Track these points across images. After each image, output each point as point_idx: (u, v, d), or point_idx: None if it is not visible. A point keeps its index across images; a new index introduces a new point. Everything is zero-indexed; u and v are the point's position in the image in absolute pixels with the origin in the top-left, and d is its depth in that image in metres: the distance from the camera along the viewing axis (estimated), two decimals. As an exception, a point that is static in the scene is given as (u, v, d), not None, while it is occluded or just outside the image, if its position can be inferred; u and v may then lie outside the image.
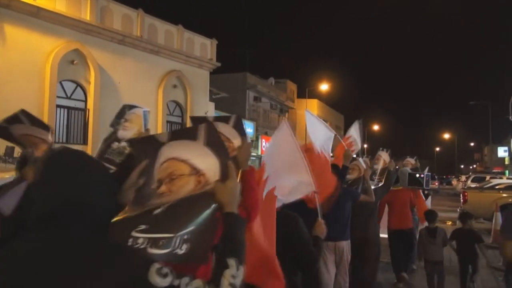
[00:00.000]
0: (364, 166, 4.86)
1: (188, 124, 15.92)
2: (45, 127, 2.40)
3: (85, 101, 12.29)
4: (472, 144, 73.93)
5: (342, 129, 49.57)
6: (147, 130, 2.54)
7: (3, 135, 2.39)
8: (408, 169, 6.56)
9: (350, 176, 4.65)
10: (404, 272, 6.01)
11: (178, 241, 1.21)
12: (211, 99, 18.90)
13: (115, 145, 2.48)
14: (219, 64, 17.11)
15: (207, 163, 1.36)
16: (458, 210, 13.70)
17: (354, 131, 4.69)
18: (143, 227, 1.23)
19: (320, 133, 3.44)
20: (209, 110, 17.65)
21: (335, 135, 3.85)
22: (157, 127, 14.46)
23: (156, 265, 1.01)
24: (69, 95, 11.97)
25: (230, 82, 26.19)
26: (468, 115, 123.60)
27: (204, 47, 16.73)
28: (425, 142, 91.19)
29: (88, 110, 12.24)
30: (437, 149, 78.72)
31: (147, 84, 14.09)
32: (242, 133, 1.81)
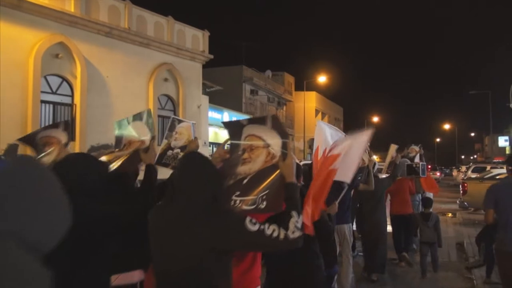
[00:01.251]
0: (369, 157, 5.37)
1: (181, 115, 15.44)
2: (151, 130, 2.88)
3: (72, 96, 11.90)
4: (472, 134, 73.35)
5: (341, 121, 49.14)
6: (195, 138, 3.02)
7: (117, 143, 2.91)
8: (406, 159, 7.06)
9: None
10: (405, 252, 6.62)
11: (259, 199, 1.90)
12: (205, 92, 18.49)
13: (170, 152, 3.06)
14: (211, 56, 16.67)
15: (274, 140, 2.00)
16: (457, 201, 13.38)
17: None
18: (238, 193, 1.95)
19: (327, 139, 3.82)
20: (203, 103, 17.27)
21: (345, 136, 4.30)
22: (148, 122, 14.09)
23: (248, 218, 1.63)
24: (54, 90, 11.58)
25: (226, 75, 25.78)
26: (468, 105, 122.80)
27: (196, 39, 16.29)
28: (425, 133, 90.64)
29: (75, 105, 11.85)
30: (438, 140, 78.28)
31: (137, 77, 13.70)
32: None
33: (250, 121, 2.12)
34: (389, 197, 6.75)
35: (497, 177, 13.01)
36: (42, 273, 0.92)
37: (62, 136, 2.89)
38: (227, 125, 2.23)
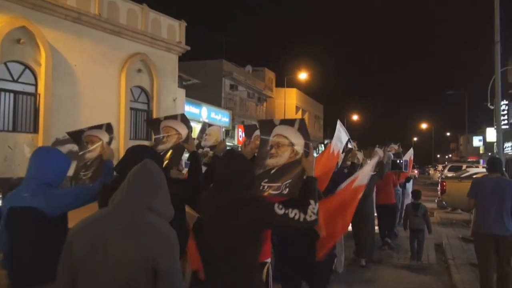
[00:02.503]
0: (363, 156, 6.09)
1: (155, 108, 14.80)
2: (189, 126, 3.21)
3: (35, 85, 11.10)
4: (448, 134, 74.94)
5: (321, 119, 49.15)
6: (223, 140, 3.47)
7: (153, 125, 3.42)
8: (390, 154, 7.59)
9: (349, 163, 5.77)
10: (388, 238, 7.47)
11: (283, 186, 2.47)
12: (181, 86, 17.86)
13: (200, 150, 3.35)
14: (188, 48, 16.05)
15: (298, 141, 2.53)
16: (435, 201, 13.29)
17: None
18: (266, 180, 2.52)
19: (340, 138, 4.39)
20: (179, 97, 16.64)
21: (349, 139, 4.90)
22: (120, 114, 13.40)
23: (276, 204, 2.08)
24: (15, 78, 10.76)
25: (205, 69, 25.11)
26: (445, 105, 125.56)
27: (172, 29, 15.63)
28: (403, 132, 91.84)
29: (39, 94, 11.07)
30: (415, 139, 79.49)
31: (107, 67, 12.97)
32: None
33: (282, 122, 2.64)
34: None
35: (474, 176, 13.00)
36: (172, 228, 1.73)
37: (104, 136, 3.24)
38: (261, 122, 2.80)
